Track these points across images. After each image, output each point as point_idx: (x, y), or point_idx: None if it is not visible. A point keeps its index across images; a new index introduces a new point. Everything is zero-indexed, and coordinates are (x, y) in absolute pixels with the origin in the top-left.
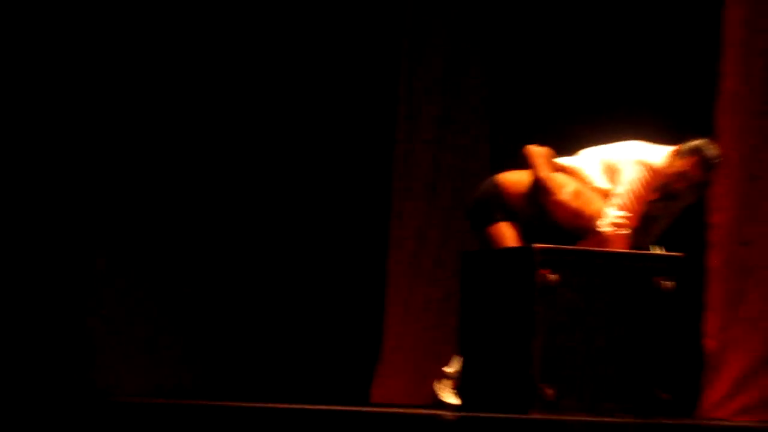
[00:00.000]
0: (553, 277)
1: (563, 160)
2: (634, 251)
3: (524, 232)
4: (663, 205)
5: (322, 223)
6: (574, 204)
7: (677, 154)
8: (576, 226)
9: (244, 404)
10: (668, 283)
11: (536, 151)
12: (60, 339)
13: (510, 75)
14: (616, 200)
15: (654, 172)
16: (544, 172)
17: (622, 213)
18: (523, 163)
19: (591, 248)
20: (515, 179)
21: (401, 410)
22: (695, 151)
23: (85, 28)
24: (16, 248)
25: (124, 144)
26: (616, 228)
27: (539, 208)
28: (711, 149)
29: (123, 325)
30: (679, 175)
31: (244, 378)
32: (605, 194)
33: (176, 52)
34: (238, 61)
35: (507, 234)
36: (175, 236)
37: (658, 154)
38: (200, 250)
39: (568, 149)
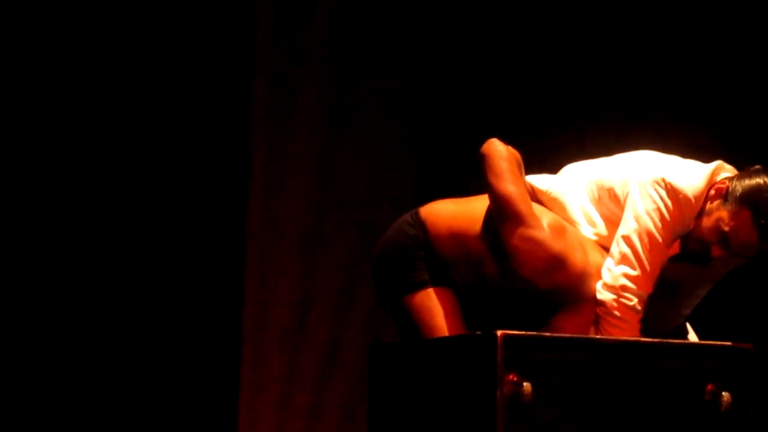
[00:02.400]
0: (526, 386)
1: (537, 181)
2: (659, 339)
3: (464, 304)
4: (691, 267)
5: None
6: (555, 247)
7: (722, 197)
8: (552, 287)
9: None
10: (725, 395)
11: (502, 152)
12: None
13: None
14: (620, 248)
15: (684, 203)
16: (510, 187)
17: (630, 270)
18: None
19: (583, 334)
20: (452, 212)
21: None
22: (750, 201)
23: None
24: None
25: None
26: (616, 293)
27: (492, 258)
28: None
29: None
30: (719, 233)
31: None
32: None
33: None
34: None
35: (436, 308)
36: None
37: (692, 174)
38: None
39: (541, 165)
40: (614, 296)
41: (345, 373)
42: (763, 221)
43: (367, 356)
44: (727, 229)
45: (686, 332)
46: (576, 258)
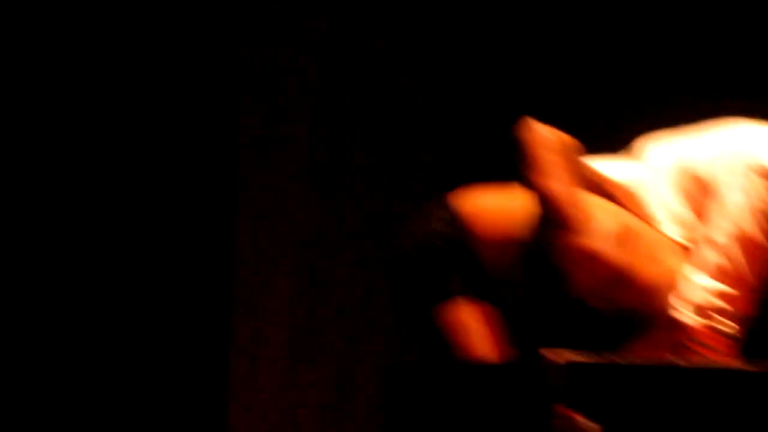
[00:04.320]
0: (594, 428)
1: (606, 169)
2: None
3: (510, 323)
4: None
5: None
6: (617, 259)
7: None
8: (619, 306)
9: None
10: None
11: (544, 138)
12: None
13: None
14: (708, 256)
15: None
16: (556, 185)
17: (721, 287)
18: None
19: (664, 361)
20: (495, 208)
21: None
22: None
23: None
24: None
25: None
26: (709, 318)
27: (543, 271)
28: None
29: None
30: None
31: None
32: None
33: None
34: None
35: (473, 325)
36: None
37: None
38: None
39: (607, 144)
40: (705, 321)
41: (359, 400)
42: None
43: (383, 380)
44: None
45: None
46: (649, 272)
